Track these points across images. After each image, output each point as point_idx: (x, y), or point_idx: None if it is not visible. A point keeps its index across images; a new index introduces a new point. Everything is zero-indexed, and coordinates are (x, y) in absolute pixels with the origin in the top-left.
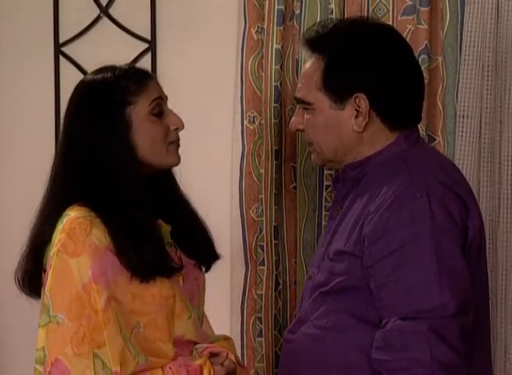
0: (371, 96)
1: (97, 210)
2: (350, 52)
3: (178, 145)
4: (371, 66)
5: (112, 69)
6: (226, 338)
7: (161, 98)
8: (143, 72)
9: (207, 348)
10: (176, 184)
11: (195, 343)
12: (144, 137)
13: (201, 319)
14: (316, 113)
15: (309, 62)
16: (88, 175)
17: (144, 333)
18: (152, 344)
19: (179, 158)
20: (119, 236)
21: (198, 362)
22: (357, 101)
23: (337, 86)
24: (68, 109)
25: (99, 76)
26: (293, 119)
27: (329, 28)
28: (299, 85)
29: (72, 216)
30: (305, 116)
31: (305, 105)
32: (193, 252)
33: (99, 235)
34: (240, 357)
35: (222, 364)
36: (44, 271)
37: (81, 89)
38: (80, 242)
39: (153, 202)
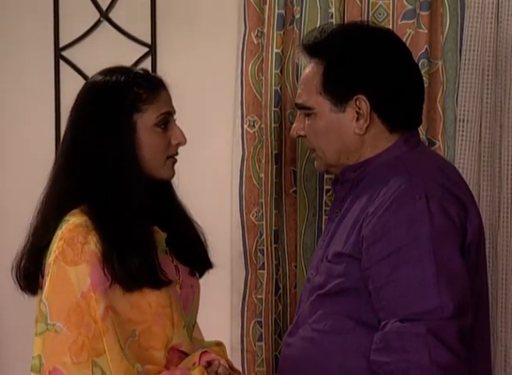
0: (372, 97)
1: (96, 217)
2: (348, 55)
3: (175, 161)
4: (371, 67)
5: (125, 72)
6: (218, 344)
7: (170, 113)
8: (157, 80)
9: (201, 355)
10: (173, 192)
11: (187, 354)
12: (145, 147)
13: (194, 325)
14: (317, 118)
15: (308, 68)
16: (90, 178)
17: (139, 342)
18: (145, 352)
19: (173, 173)
20: (109, 245)
21: (195, 373)
22: (357, 103)
23: (337, 88)
24: (74, 109)
25: (112, 78)
26: (294, 125)
27: (327, 33)
28: (299, 91)
29: (71, 222)
30: (306, 122)
31: (306, 110)
32: (187, 259)
33: (97, 243)
34: (232, 361)
35: (216, 372)
36: (43, 275)
37: (91, 90)
38: (79, 251)
39: (151, 209)
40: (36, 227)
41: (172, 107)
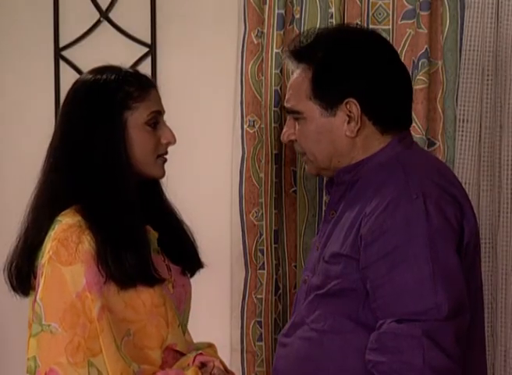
0: (362, 100)
1: (90, 217)
2: (336, 59)
3: (165, 160)
4: (359, 70)
5: (115, 70)
6: (210, 345)
7: (160, 113)
8: (147, 79)
9: (196, 357)
10: (162, 193)
11: (182, 354)
12: (135, 145)
13: (186, 325)
14: (307, 122)
15: (296, 72)
16: (81, 177)
17: (134, 341)
18: (140, 351)
19: (164, 172)
20: (104, 244)
21: (189, 374)
22: (348, 106)
23: (327, 93)
24: (64, 108)
25: (102, 76)
26: (284, 130)
27: (312, 38)
28: (287, 96)
29: (64, 223)
30: (296, 126)
31: (295, 114)
32: (178, 259)
33: (91, 243)
34: (230, 362)
35: (210, 374)
36: (35, 276)
37: (82, 88)
38: (74, 250)
39: (142, 209)
40: (27, 227)
41: (162, 107)
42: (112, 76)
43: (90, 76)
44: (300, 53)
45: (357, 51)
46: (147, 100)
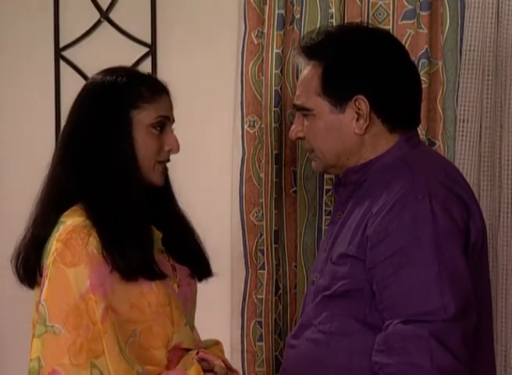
0: (371, 97)
1: (94, 215)
2: (346, 56)
3: (165, 167)
4: (369, 67)
5: (129, 70)
6: (217, 343)
7: (168, 119)
8: (160, 83)
9: (198, 353)
10: (172, 196)
11: (189, 350)
12: (138, 146)
13: (193, 324)
14: (316, 119)
15: (306, 69)
16: (88, 173)
17: (139, 342)
18: (146, 351)
19: (162, 180)
20: (109, 239)
21: (191, 373)
22: (357, 103)
23: (336, 90)
24: (73, 106)
25: (112, 76)
26: (292, 127)
27: (324, 35)
28: (297, 92)
29: (69, 224)
30: (305, 123)
31: (305, 111)
32: (186, 260)
33: (96, 244)
34: (231, 361)
35: (213, 371)
36: (41, 274)
37: (91, 87)
38: (78, 252)
39: (150, 211)
40: (35, 219)
41: (172, 114)
42: (125, 76)
43: (101, 76)
44: (311, 50)
45: (368, 49)
46: (157, 103)
